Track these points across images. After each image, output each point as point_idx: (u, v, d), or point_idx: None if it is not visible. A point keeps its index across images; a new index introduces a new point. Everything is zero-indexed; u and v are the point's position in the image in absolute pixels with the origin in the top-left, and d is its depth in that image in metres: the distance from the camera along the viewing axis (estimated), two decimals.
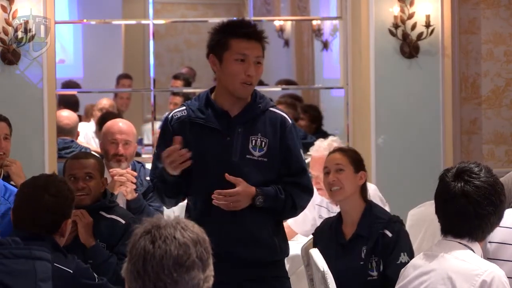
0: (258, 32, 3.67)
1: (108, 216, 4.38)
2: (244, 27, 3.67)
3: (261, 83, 9.87)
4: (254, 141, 3.64)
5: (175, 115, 3.75)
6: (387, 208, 4.94)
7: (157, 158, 3.76)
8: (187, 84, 9.70)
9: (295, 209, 3.74)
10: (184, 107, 3.75)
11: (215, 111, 3.67)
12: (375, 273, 4.17)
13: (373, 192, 5.22)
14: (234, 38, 3.62)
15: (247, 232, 3.62)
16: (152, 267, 2.17)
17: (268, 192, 3.63)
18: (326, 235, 4.34)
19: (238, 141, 3.63)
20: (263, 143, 3.64)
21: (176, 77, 9.99)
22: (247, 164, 3.62)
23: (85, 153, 4.71)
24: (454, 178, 3.17)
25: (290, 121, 3.72)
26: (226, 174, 3.58)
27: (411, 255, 4.09)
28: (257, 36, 3.65)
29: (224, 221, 3.61)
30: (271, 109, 3.71)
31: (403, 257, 4.12)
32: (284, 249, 3.73)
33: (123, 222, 4.36)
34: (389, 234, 4.19)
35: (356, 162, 4.37)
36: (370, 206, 4.32)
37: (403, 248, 4.18)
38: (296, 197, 3.68)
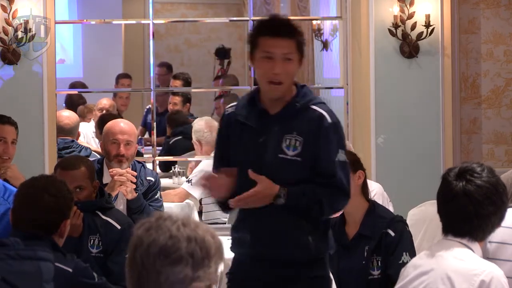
0: (286, 28, 3.55)
1: (104, 218, 4.37)
2: (270, 24, 3.59)
3: None
4: (288, 140, 3.54)
5: (226, 110, 3.72)
6: (390, 207, 4.95)
7: (216, 152, 3.77)
8: (187, 84, 9.70)
9: (324, 210, 3.58)
10: (236, 103, 3.74)
11: (256, 109, 3.62)
12: (376, 272, 4.17)
13: (380, 190, 5.22)
14: (261, 36, 3.55)
15: (281, 232, 3.56)
16: (140, 255, 2.12)
17: (293, 191, 3.52)
18: None
19: (272, 140, 3.55)
20: (298, 142, 3.53)
21: (175, 77, 9.99)
22: (280, 164, 3.54)
23: (75, 161, 4.53)
24: (456, 177, 3.17)
25: (330, 120, 3.56)
26: (249, 171, 3.50)
27: (413, 255, 4.07)
28: (285, 32, 3.53)
29: (258, 220, 3.58)
30: (313, 106, 3.58)
31: (405, 257, 4.12)
32: (320, 249, 3.61)
33: (118, 227, 4.34)
34: (392, 234, 4.18)
35: (351, 162, 4.34)
36: (373, 206, 4.31)
37: (405, 248, 4.17)
38: (325, 198, 3.54)
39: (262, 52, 3.54)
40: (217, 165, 3.72)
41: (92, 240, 4.33)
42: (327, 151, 3.54)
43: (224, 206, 3.70)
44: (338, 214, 4.26)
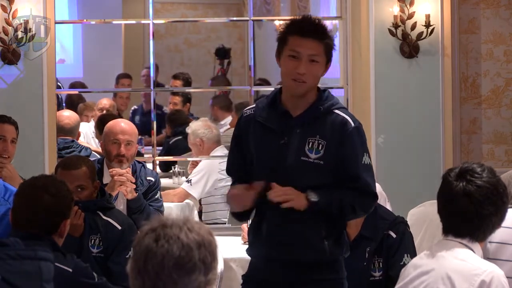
0: (317, 29, 3.54)
1: (105, 218, 4.37)
2: (301, 23, 3.57)
3: (267, 83, 9.90)
4: (311, 143, 3.53)
5: (245, 112, 3.70)
6: (388, 206, 4.94)
7: (232, 160, 3.75)
8: (186, 84, 9.71)
9: (355, 211, 3.59)
10: (254, 105, 3.72)
11: (278, 111, 3.60)
12: (378, 274, 4.16)
13: (378, 189, 5.22)
14: (291, 34, 3.54)
15: (296, 234, 3.56)
16: (152, 266, 2.15)
17: (321, 192, 3.51)
18: None
19: (295, 142, 3.54)
20: (321, 145, 3.52)
21: (175, 77, 10.02)
22: (302, 166, 3.53)
23: (76, 161, 4.52)
24: (457, 177, 3.18)
25: (353, 124, 3.56)
26: (273, 184, 3.49)
27: (414, 257, 4.06)
28: (314, 33, 3.52)
29: (274, 223, 3.57)
30: (336, 111, 3.58)
31: (406, 259, 4.11)
32: (335, 253, 3.61)
33: (119, 228, 4.35)
34: (393, 235, 4.18)
35: None
36: (374, 208, 4.30)
37: (407, 250, 4.17)
38: (353, 199, 3.55)
39: (289, 51, 3.54)
40: (234, 171, 3.73)
41: (92, 240, 4.33)
42: (353, 155, 3.56)
43: (241, 216, 3.69)
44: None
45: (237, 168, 3.72)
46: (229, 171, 3.79)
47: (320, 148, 3.53)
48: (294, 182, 3.51)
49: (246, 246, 3.78)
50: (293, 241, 3.56)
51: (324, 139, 3.54)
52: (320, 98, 3.61)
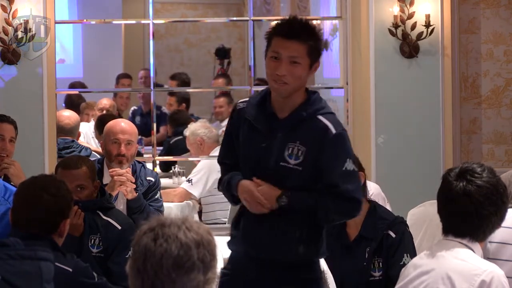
0: (299, 31, 3.52)
1: (105, 218, 4.38)
2: (284, 25, 3.56)
3: (267, 83, 9.86)
4: (291, 148, 3.52)
5: (238, 105, 3.70)
6: (388, 207, 4.94)
7: (223, 149, 3.78)
8: (182, 84, 9.74)
9: (329, 216, 3.58)
10: (248, 98, 3.72)
11: (266, 111, 3.60)
12: (377, 274, 4.16)
13: (377, 191, 5.22)
14: (275, 36, 3.54)
15: (270, 235, 3.56)
16: (151, 265, 2.15)
17: (296, 194, 3.52)
18: (330, 235, 4.32)
19: (276, 146, 3.54)
20: (300, 151, 3.51)
21: (172, 77, 10.05)
22: (281, 171, 3.53)
23: (76, 161, 4.52)
24: (457, 177, 3.18)
25: (334, 131, 3.51)
26: (254, 178, 3.53)
27: (414, 256, 4.06)
28: (296, 35, 3.50)
29: (252, 220, 3.58)
30: (319, 116, 3.55)
31: (406, 258, 4.11)
32: (310, 255, 3.60)
33: (119, 228, 4.35)
34: (393, 235, 4.18)
35: None
36: (374, 207, 4.30)
37: (406, 250, 4.16)
38: (330, 204, 3.52)
39: (271, 52, 3.54)
40: (225, 156, 3.75)
41: (92, 240, 4.33)
42: (331, 163, 3.52)
43: (235, 198, 3.69)
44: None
45: (229, 157, 3.72)
46: (222, 159, 3.79)
47: (299, 154, 3.52)
48: (274, 184, 3.53)
49: None
50: (268, 240, 3.57)
51: (304, 145, 3.52)
52: (307, 101, 3.59)
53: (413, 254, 4.14)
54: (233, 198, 3.70)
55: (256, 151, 3.58)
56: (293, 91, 3.55)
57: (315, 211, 3.53)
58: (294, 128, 3.55)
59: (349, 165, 3.53)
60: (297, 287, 3.59)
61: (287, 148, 3.52)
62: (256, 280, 3.59)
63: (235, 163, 3.69)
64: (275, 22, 3.68)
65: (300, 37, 3.51)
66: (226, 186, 3.70)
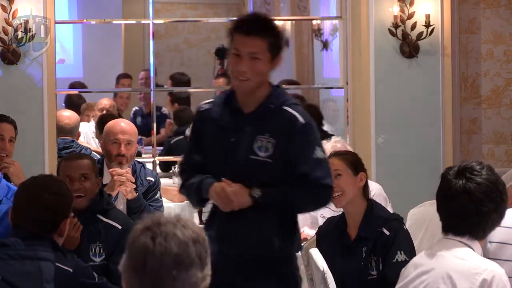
0: (258, 27, 3.56)
1: (105, 220, 4.37)
2: (243, 21, 3.62)
3: None
4: (260, 141, 3.56)
5: (200, 107, 3.74)
6: (389, 208, 4.94)
7: (190, 147, 3.77)
8: (177, 84, 9.77)
9: (301, 206, 3.64)
10: (212, 99, 3.75)
11: (231, 107, 3.64)
12: (375, 272, 4.16)
13: (378, 191, 5.21)
14: (235, 32, 3.58)
15: (246, 230, 3.59)
16: (151, 264, 2.15)
17: (267, 190, 3.55)
18: (331, 235, 4.32)
19: (245, 140, 3.58)
20: (270, 143, 3.55)
21: (170, 77, 10.09)
22: (251, 165, 3.56)
23: (79, 154, 4.63)
24: (456, 175, 3.17)
25: (302, 121, 3.57)
26: (224, 180, 3.55)
27: (410, 254, 4.04)
28: (255, 31, 3.54)
29: (226, 218, 3.60)
30: (286, 108, 3.59)
31: (399, 256, 4.09)
32: (285, 249, 3.63)
33: (119, 227, 4.34)
34: (387, 232, 4.16)
35: (354, 164, 4.33)
36: (371, 206, 4.29)
37: (400, 247, 4.14)
38: (300, 194, 3.57)
39: (233, 49, 3.57)
40: (195, 152, 3.73)
41: (93, 249, 4.31)
42: (301, 152, 3.56)
43: (201, 200, 3.70)
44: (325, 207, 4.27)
45: (199, 152, 3.72)
46: (190, 156, 3.77)
47: (269, 146, 3.55)
48: (244, 179, 3.55)
49: None
50: (242, 235, 3.59)
51: (273, 137, 3.56)
52: (272, 94, 3.62)
53: (408, 251, 4.11)
54: (198, 200, 3.72)
55: (224, 146, 3.60)
56: (255, 86, 3.59)
57: (285, 201, 3.56)
58: (262, 121, 3.59)
59: (319, 153, 3.58)
60: (272, 281, 3.61)
61: (256, 140, 3.56)
62: (232, 277, 3.60)
63: (203, 159, 3.68)
64: (235, 18, 3.72)
65: (260, 33, 3.55)
66: (195, 189, 3.69)
